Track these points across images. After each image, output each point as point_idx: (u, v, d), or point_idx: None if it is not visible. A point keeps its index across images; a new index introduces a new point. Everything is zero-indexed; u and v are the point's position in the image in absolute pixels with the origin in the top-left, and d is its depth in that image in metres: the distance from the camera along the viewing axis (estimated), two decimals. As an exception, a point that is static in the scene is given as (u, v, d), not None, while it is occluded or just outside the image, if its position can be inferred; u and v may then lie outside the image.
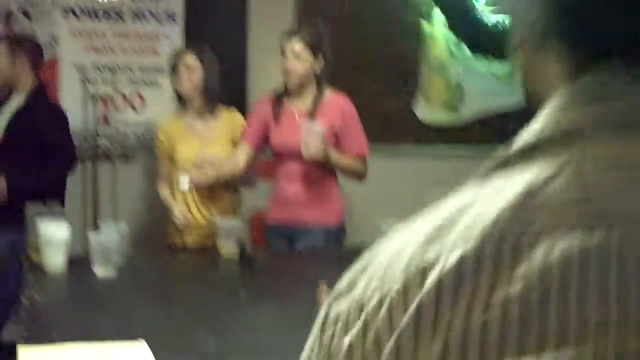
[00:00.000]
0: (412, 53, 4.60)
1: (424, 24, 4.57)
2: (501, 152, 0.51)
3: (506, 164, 0.50)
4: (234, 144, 3.36)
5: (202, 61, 3.42)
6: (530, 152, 0.49)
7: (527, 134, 0.51)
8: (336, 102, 3.15)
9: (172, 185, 3.43)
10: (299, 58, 3.03)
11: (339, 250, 3.10)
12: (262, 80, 4.34)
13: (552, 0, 0.52)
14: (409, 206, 0.68)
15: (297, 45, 3.03)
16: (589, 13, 0.49)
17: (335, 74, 4.48)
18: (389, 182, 4.35)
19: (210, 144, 3.36)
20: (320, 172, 3.09)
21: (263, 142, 3.21)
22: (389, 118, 4.60)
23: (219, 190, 3.40)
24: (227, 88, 3.50)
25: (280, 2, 4.40)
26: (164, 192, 3.51)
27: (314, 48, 3.06)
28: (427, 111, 4.66)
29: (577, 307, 0.41)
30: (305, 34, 3.06)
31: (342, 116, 3.11)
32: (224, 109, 3.46)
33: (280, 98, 3.16)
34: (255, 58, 4.38)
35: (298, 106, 3.13)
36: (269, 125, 3.17)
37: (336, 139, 3.06)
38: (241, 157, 3.19)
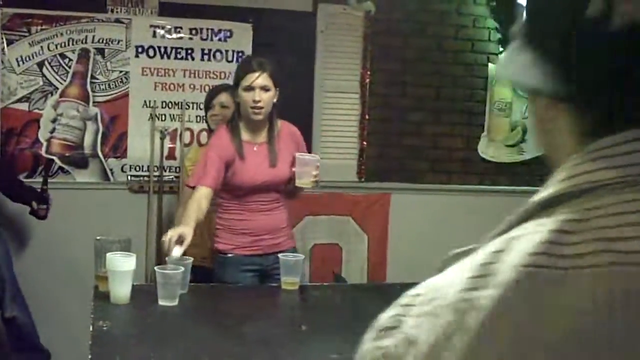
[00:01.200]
0: (477, 94, 4.68)
1: (492, 67, 4.63)
2: (520, 208, 0.57)
3: (527, 217, 0.56)
4: None
5: (235, 100, 3.52)
6: (549, 206, 0.55)
7: (545, 191, 0.57)
8: (289, 131, 3.23)
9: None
10: (267, 90, 3.05)
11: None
12: (327, 119, 4.40)
13: (562, 70, 0.57)
14: (473, 241, 0.69)
15: (264, 79, 3.05)
16: (595, 84, 0.55)
17: (400, 114, 4.56)
18: (455, 217, 4.40)
19: None
20: (280, 199, 3.19)
21: (220, 181, 3.08)
22: (452, 157, 4.67)
23: None
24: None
25: (348, 42, 4.45)
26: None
27: (275, 80, 3.08)
28: (489, 150, 4.70)
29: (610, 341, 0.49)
30: (268, 67, 3.06)
31: (297, 144, 3.21)
32: None
33: (237, 133, 3.13)
34: (321, 97, 4.44)
35: (255, 139, 3.15)
36: (230, 162, 3.08)
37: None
38: (204, 203, 2.97)
